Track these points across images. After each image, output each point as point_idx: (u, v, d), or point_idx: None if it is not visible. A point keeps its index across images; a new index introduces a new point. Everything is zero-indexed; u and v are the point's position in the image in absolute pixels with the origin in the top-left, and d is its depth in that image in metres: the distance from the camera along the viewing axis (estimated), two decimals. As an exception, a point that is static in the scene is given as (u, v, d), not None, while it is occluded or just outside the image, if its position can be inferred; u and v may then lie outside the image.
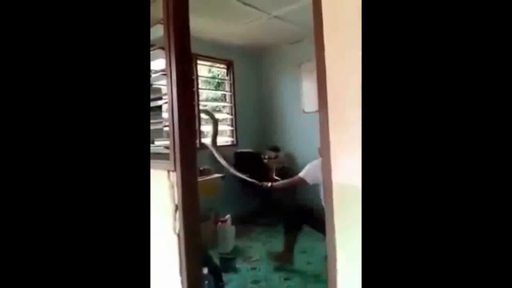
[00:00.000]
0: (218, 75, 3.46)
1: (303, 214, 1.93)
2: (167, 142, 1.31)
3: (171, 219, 1.23)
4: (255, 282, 1.75)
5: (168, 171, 1.24)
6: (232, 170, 2.34)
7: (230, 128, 3.18)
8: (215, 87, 3.49)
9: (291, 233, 1.93)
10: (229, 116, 3.19)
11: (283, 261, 1.93)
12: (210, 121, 2.44)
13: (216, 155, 2.35)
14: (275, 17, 2.33)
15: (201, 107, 2.84)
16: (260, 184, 2.13)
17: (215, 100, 3.41)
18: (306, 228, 1.94)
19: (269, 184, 2.06)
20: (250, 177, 2.28)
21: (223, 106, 3.28)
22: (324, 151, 0.78)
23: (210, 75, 3.46)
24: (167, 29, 1.23)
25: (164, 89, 1.99)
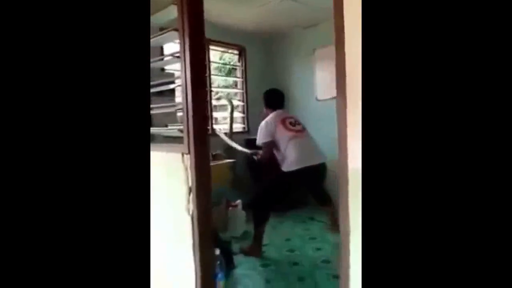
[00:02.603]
0: (230, 62, 3.43)
1: (267, 199, 1.89)
2: (181, 126, 1.32)
3: (184, 200, 1.25)
4: (265, 265, 1.79)
5: (182, 154, 1.26)
6: (233, 144, 2.35)
7: (241, 115, 3.18)
8: (226, 74, 3.47)
9: (258, 224, 1.88)
10: (240, 103, 3.18)
11: (251, 254, 1.88)
12: (228, 108, 2.45)
13: (220, 134, 2.38)
14: None
15: (216, 94, 2.83)
16: (250, 153, 2.20)
17: (226, 87, 3.39)
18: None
19: (257, 155, 2.13)
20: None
21: (235, 93, 3.27)
22: (341, 136, 0.77)
23: (221, 61, 3.43)
24: (181, 10, 1.21)
25: (177, 73, 1.98)
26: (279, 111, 2.05)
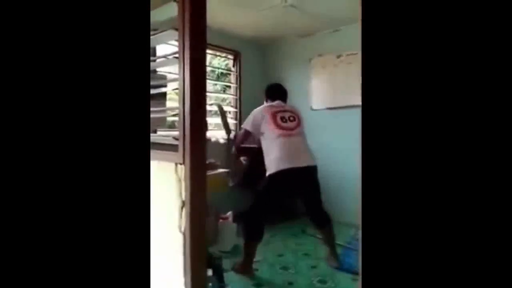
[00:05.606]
0: (226, 65, 3.33)
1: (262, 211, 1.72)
2: (172, 133, 1.21)
3: (176, 215, 1.13)
4: (258, 285, 1.67)
5: (176, 164, 1.14)
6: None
7: (234, 121, 3.07)
8: (216, 79, 3.36)
9: (249, 240, 1.72)
10: (233, 109, 3.08)
11: (243, 273, 1.73)
12: (219, 115, 2.35)
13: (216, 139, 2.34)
14: (291, 6, 2.21)
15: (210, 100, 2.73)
16: (226, 140, 2.20)
17: (217, 92, 3.28)
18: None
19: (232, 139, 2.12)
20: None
21: (224, 99, 3.16)
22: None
23: (212, 66, 3.33)
24: (182, 8, 1.12)
25: (170, 76, 1.86)
26: (275, 102, 1.94)
